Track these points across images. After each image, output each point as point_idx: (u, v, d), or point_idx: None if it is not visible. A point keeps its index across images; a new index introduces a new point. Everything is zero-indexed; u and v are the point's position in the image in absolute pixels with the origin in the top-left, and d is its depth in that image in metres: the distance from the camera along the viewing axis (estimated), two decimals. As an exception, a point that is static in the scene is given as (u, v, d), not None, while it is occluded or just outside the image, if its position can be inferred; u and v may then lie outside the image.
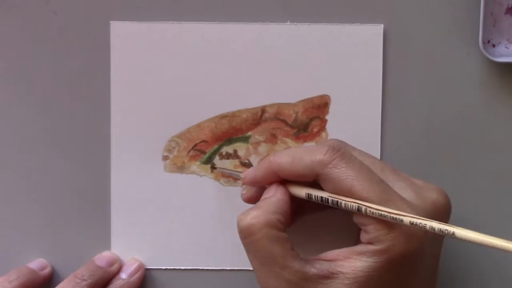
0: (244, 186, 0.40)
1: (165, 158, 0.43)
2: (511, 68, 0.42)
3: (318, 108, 0.42)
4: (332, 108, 0.42)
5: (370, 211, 0.33)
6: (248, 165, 0.43)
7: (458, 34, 0.42)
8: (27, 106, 0.43)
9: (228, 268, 0.43)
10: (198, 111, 0.42)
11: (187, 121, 0.43)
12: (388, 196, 0.34)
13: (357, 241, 0.36)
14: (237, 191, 0.43)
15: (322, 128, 0.42)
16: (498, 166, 0.43)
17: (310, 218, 0.41)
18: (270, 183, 0.38)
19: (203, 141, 0.43)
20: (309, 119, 0.42)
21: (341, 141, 0.38)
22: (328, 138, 0.42)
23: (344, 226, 0.39)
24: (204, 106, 0.42)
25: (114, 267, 0.42)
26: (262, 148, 0.43)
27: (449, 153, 0.42)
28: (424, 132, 0.42)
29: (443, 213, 0.36)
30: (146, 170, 0.43)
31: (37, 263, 0.43)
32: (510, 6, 0.42)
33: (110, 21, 0.42)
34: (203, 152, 0.43)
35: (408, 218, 0.32)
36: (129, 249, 0.43)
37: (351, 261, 0.34)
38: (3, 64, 0.43)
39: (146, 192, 0.43)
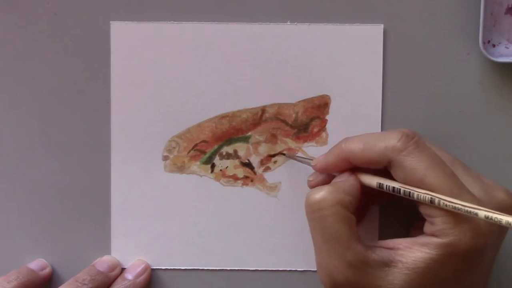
0: (311, 174, 0.40)
1: (165, 158, 0.43)
2: (511, 68, 0.42)
3: (318, 108, 0.42)
4: (332, 108, 0.42)
5: (443, 203, 0.33)
6: (248, 165, 0.43)
7: (458, 34, 0.42)
8: (27, 106, 0.43)
9: (228, 268, 0.43)
10: (198, 111, 0.42)
11: (187, 121, 0.43)
12: (459, 190, 0.34)
13: (413, 232, 0.36)
14: (237, 191, 0.43)
15: (322, 128, 0.42)
16: (498, 166, 0.43)
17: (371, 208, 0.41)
18: (341, 170, 0.37)
19: (203, 141, 0.43)
20: (309, 119, 0.42)
21: (413, 130, 0.37)
22: (328, 138, 0.42)
23: (400, 217, 0.40)
24: (204, 106, 0.42)
25: (115, 272, 0.42)
26: (262, 148, 0.43)
27: (449, 153, 0.42)
28: (424, 132, 0.42)
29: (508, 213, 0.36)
30: (146, 170, 0.43)
31: (37, 263, 0.43)
32: (510, 6, 0.42)
33: (110, 21, 0.42)
34: (203, 152, 0.43)
35: (483, 212, 0.32)
36: (129, 249, 0.43)
37: (413, 251, 0.34)
38: (3, 64, 0.43)
39: (146, 192, 0.43)
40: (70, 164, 0.43)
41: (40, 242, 0.43)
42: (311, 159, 0.40)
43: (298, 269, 0.43)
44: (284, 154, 0.42)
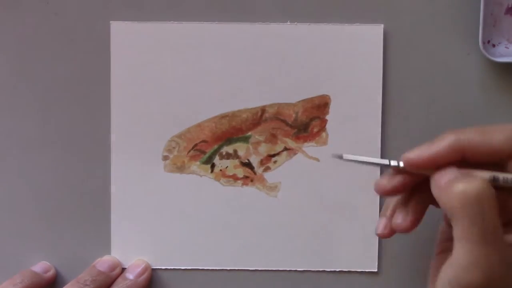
0: (382, 177, 0.35)
1: (165, 158, 0.43)
2: (511, 68, 0.42)
3: (318, 108, 0.42)
4: (332, 108, 0.42)
5: None
6: (248, 165, 0.43)
7: (458, 34, 0.42)
8: (27, 106, 0.43)
9: (228, 268, 0.43)
10: (198, 111, 0.42)
11: (187, 121, 0.43)
12: None
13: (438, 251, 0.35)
14: (237, 191, 0.43)
15: (322, 128, 0.42)
16: (498, 166, 0.43)
17: None
18: (442, 166, 0.33)
19: (203, 141, 0.43)
20: (309, 119, 0.42)
21: None
22: (328, 138, 0.42)
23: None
24: (204, 106, 0.42)
25: (116, 272, 0.43)
26: (262, 148, 0.43)
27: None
28: (424, 132, 0.42)
29: None
30: (146, 170, 0.43)
31: (41, 266, 0.43)
32: (510, 6, 0.42)
33: (110, 21, 0.42)
34: (203, 152, 0.43)
35: None
36: (129, 249, 0.43)
37: None
38: (3, 64, 0.43)
39: (146, 192, 0.43)
40: (70, 164, 0.43)
41: (40, 243, 0.43)
42: (384, 160, 0.35)
43: (298, 269, 0.43)
44: (340, 157, 0.35)
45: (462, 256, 0.32)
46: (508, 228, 0.33)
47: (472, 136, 0.33)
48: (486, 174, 0.33)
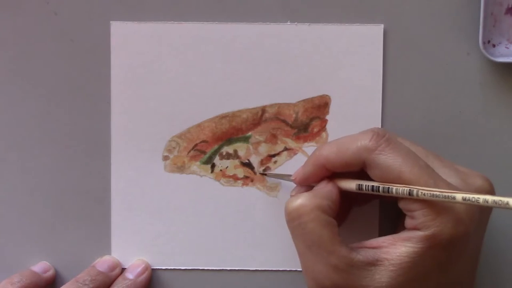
0: (293, 189, 0.40)
1: (165, 158, 0.43)
2: (511, 68, 0.42)
3: (318, 108, 0.42)
4: (332, 108, 0.42)
5: (422, 193, 0.33)
6: (248, 165, 0.43)
7: (458, 34, 0.42)
8: (27, 106, 0.43)
9: (228, 268, 0.43)
10: (198, 111, 0.42)
11: (187, 121, 0.43)
12: (435, 181, 0.34)
13: (397, 230, 0.36)
14: (237, 191, 0.43)
15: (322, 128, 0.42)
16: (498, 166, 0.43)
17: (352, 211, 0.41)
18: (319, 180, 0.38)
19: (203, 141, 0.43)
20: (309, 119, 0.42)
21: (384, 128, 0.37)
22: (328, 138, 0.42)
23: (383, 216, 0.41)
24: (204, 106, 0.42)
25: (115, 272, 0.43)
26: (262, 148, 0.43)
27: (449, 153, 0.42)
28: (424, 132, 0.42)
29: None
30: (146, 170, 0.43)
31: (40, 266, 0.43)
32: (510, 6, 0.42)
33: (110, 21, 0.42)
34: (203, 152, 0.43)
35: (460, 195, 0.32)
36: (129, 249, 0.43)
37: (397, 247, 0.34)
38: (3, 64, 0.43)
39: (146, 192, 0.43)
40: (70, 164, 0.43)
41: (40, 243, 0.43)
42: (290, 175, 0.40)
43: (298, 269, 0.43)
44: (265, 174, 0.43)
45: (301, 266, 0.37)
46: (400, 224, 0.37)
47: (329, 152, 0.36)
48: (352, 184, 0.36)
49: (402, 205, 0.35)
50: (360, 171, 0.36)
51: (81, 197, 0.43)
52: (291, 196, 0.39)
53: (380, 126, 0.42)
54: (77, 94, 0.43)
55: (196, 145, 0.43)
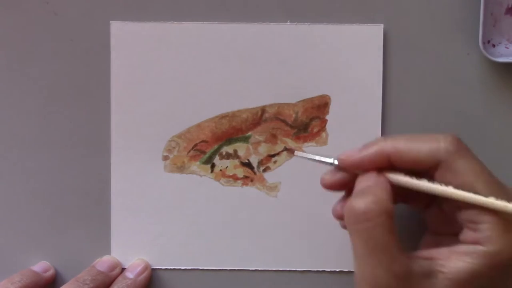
0: (326, 172, 0.37)
1: (165, 158, 0.43)
2: (511, 68, 0.42)
3: (318, 108, 0.42)
4: (332, 108, 0.42)
5: (499, 205, 0.32)
6: (248, 165, 0.43)
7: (458, 34, 0.42)
8: (27, 106, 0.43)
9: (228, 268, 0.43)
10: (198, 111, 0.43)
11: (187, 121, 0.43)
12: (508, 198, 0.33)
13: (422, 246, 0.36)
14: (237, 191, 0.43)
15: (322, 128, 0.42)
16: (498, 166, 0.43)
17: None
18: (372, 169, 0.35)
19: (203, 141, 0.43)
20: (309, 119, 0.42)
21: None
22: (328, 138, 0.42)
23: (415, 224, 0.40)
24: (204, 106, 0.42)
25: (115, 272, 0.43)
26: (262, 148, 0.43)
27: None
28: (424, 132, 0.42)
29: None
30: (146, 170, 0.43)
31: (41, 266, 0.43)
32: (510, 6, 0.42)
33: (110, 21, 0.42)
34: (203, 152, 0.43)
35: None
36: (129, 249, 0.43)
37: (453, 261, 0.33)
38: (3, 64, 0.43)
39: (146, 192, 0.43)
40: (70, 164, 0.43)
41: (40, 243, 0.43)
42: (328, 158, 0.37)
43: (298, 269, 0.43)
44: (290, 152, 0.41)
45: (355, 272, 0.34)
46: (454, 237, 0.35)
47: (400, 144, 0.34)
48: (416, 181, 0.34)
49: (467, 215, 0.34)
50: (418, 171, 0.35)
51: (81, 197, 0.43)
52: (324, 178, 0.37)
53: (380, 126, 0.42)
54: (77, 94, 0.43)
55: (196, 145, 0.43)
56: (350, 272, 0.43)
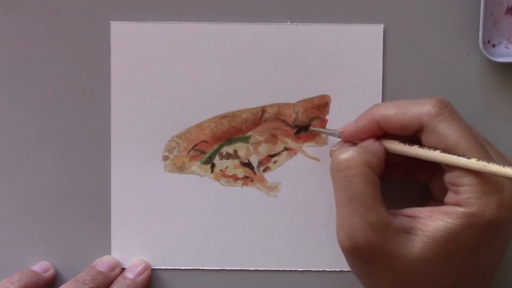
0: (335, 144, 0.40)
1: (165, 158, 0.43)
2: (511, 68, 0.42)
3: (318, 108, 0.42)
4: (332, 108, 0.42)
5: (478, 164, 0.33)
6: (248, 165, 0.43)
7: (458, 34, 0.42)
8: (27, 107, 0.43)
9: (228, 268, 0.43)
10: (198, 111, 0.42)
11: (187, 121, 0.43)
12: (489, 161, 0.34)
13: (428, 204, 0.37)
14: (237, 191, 0.43)
15: (323, 128, 0.42)
16: (498, 166, 0.43)
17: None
18: (368, 137, 0.37)
19: (203, 141, 0.43)
20: (309, 119, 0.42)
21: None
22: (328, 138, 0.42)
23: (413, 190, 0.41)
24: (204, 106, 0.42)
25: (115, 272, 0.43)
26: (262, 148, 0.43)
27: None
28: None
29: None
30: (146, 170, 0.43)
31: (41, 266, 0.43)
32: (510, 6, 0.42)
33: (110, 21, 0.42)
34: (203, 152, 0.43)
35: None
36: (129, 249, 0.43)
37: (434, 220, 0.34)
38: (3, 64, 0.43)
39: (146, 192, 0.43)
40: (70, 164, 0.43)
41: (40, 243, 0.43)
42: (335, 130, 0.40)
43: (298, 269, 0.43)
44: (302, 129, 0.42)
45: (336, 219, 0.36)
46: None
47: (388, 111, 0.36)
48: (400, 146, 0.36)
49: (449, 178, 0.35)
50: (410, 136, 0.36)
51: (81, 197, 0.43)
52: (332, 150, 0.39)
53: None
54: (77, 94, 0.43)
55: (196, 145, 0.43)
56: (350, 272, 0.43)
